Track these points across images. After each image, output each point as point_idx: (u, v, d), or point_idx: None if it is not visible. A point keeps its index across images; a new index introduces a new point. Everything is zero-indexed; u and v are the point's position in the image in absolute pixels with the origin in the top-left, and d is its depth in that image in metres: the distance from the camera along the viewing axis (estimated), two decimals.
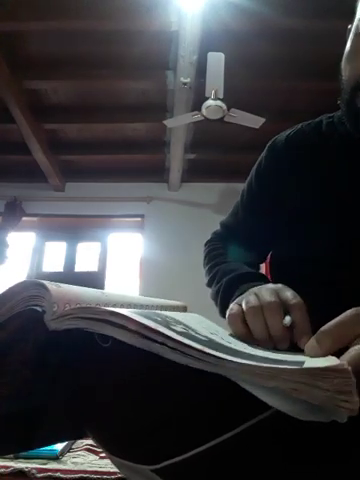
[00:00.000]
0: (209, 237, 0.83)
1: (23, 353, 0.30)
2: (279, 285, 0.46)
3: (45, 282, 0.28)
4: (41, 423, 0.34)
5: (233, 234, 0.76)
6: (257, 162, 0.75)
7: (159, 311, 0.36)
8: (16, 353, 0.30)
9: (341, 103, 0.61)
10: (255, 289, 0.47)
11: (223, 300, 0.60)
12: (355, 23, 0.57)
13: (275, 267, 0.74)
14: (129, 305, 0.38)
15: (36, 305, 0.27)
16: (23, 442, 0.34)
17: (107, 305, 0.33)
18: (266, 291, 0.44)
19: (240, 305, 0.44)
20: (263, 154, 0.73)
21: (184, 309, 0.56)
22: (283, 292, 0.43)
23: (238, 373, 0.22)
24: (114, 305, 0.35)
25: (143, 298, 0.45)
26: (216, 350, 0.25)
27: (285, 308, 0.41)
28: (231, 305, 0.46)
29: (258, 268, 0.75)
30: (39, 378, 0.32)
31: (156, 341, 0.23)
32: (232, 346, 0.32)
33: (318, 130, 0.68)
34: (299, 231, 0.66)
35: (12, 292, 0.28)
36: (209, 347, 0.24)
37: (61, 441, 0.68)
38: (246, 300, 0.44)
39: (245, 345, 0.37)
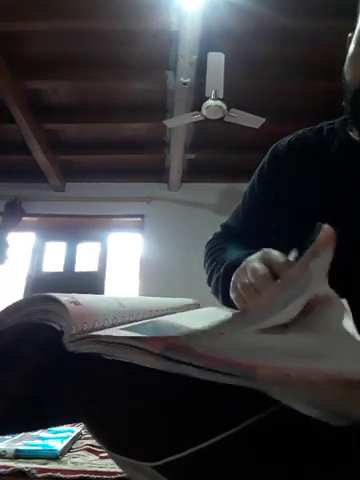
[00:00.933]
0: (209, 237, 0.83)
1: (37, 342, 0.30)
2: (264, 251, 0.48)
3: (63, 299, 0.26)
4: (49, 407, 0.34)
5: (234, 234, 0.77)
6: (259, 166, 0.76)
7: (177, 320, 0.35)
8: (31, 341, 0.30)
9: (345, 104, 0.63)
10: (244, 264, 0.49)
11: (224, 288, 0.61)
12: (358, 27, 0.58)
13: None
14: (144, 313, 0.37)
15: (52, 321, 0.26)
16: (36, 421, 0.34)
17: (124, 317, 0.33)
18: (253, 265, 0.46)
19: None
20: (265, 158, 0.75)
21: (197, 306, 0.56)
22: (269, 259, 0.46)
23: (271, 386, 0.21)
24: (130, 316, 0.34)
25: (157, 301, 0.45)
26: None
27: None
28: (231, 292, 0.49)
29: None
30: (48, 367, 0.32)
31: (181, 361, 0.22)
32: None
33: (319, 135, 0.70)
34: (300, 232, 0.67)
35: (25, 302, 0.27)
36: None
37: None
38: (240, 283, 0.46)
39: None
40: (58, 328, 0.26)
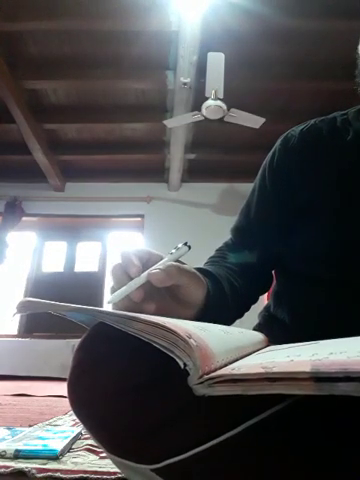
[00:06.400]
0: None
1: None
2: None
3: (190, 340, 0.25)
4: None
5: (240, 233, 0.73)
6: (269, 155, 0.73)
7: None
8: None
9: (358, 77, 0.65)
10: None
11: None
12: None
13: (279, 267, 0.73)
14: (248, 347, 0.36)
15: (178, 356, 0.25)
16: None
17: (238, 351, 0.32)
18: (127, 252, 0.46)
19: None
20: (276, 147, 0.72)
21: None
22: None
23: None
24: (238, 351, 0.32)
25: (247, 336, 0.43)
26: None
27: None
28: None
29: (266, 272, 0.73)
30: None
31: (335, 379, 0.20)
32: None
33: (333, 126, 0.68)
34: (308, 228, 0.65)
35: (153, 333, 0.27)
36: None
37: None
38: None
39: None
40: (182, 365, 0.25)
